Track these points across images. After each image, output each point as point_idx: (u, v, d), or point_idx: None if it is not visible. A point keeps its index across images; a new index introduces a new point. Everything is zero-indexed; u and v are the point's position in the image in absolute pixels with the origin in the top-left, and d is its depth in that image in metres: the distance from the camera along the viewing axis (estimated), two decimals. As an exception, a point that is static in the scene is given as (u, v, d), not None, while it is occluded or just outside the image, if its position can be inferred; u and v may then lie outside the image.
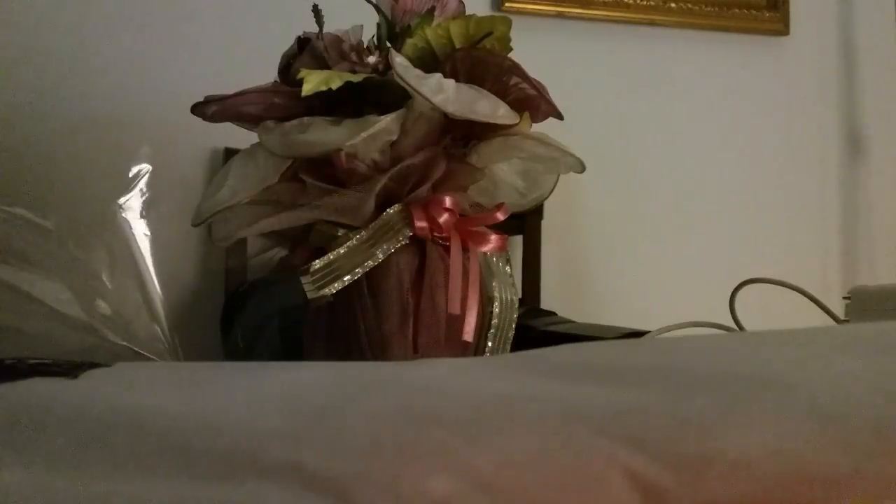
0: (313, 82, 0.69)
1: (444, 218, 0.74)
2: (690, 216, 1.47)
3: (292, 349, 0.85)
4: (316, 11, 0.75)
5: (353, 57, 0.74)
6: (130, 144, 0.93)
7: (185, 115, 0.76)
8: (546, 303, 1.29)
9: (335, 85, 0.69)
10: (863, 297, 0.91)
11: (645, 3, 1.44)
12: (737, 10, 1.48)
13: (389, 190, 0.73)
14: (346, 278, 0.72)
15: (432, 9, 0.77)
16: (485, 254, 0.78)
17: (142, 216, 0.80)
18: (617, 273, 1.43)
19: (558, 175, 0.81)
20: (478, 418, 0.33)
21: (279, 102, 0.74)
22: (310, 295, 0.71)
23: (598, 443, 0.31)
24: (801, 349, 0.45)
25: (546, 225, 1.32)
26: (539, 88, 0.75)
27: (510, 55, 0.76)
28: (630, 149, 1.44)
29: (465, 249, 0.76)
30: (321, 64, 0.74)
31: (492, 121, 0.72)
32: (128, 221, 0.79)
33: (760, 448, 0.31)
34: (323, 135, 0.71)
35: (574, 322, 1.10)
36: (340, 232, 0.73)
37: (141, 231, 0.79)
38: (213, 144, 1.24)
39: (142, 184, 0.80)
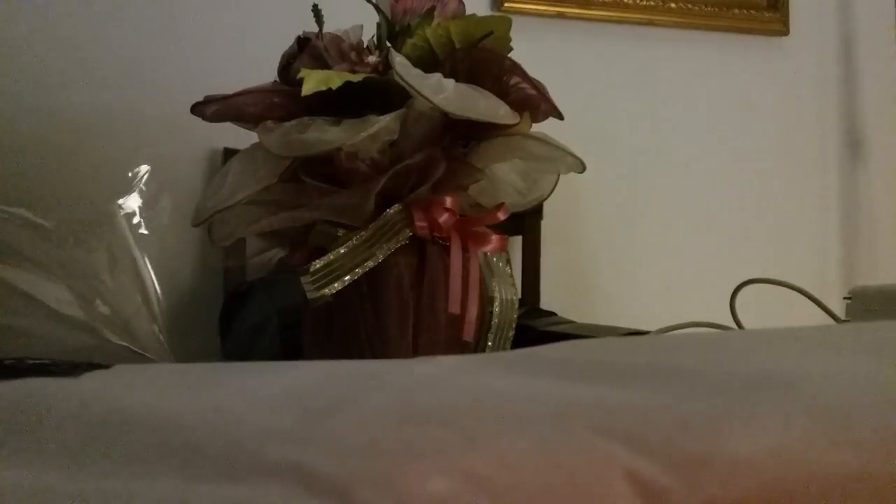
0: (313, 82, 0.69)
1: (444, 218, 0.74)
2: (690, 216, 1.47)
3: (292, 349, 0.85)
4: (316, 11, 0.75)
5: (353, 57, 0.74)
6: (130, 145, 0.93)
7: (184, 116, 0.76)
8: (546, 303, 1.29)
9: (335, 85, 0.69)
10: (863, 297, 0.91)
11: (644, 3, 1.44)
12: (736, 11, 1.49)
13: (389, 190, 0.73)
14: (346, 278, 0.72)
15: (432, 8, 0.77)
16: (485, 254, 0.78)
17: (141, 216, 0.80)
18: (617, 273, 1.43)
19: (558, 175, 0.81)
20: (477, 417, 0.33)
21: (279, 102, 0.74)
22: (309, 295, 0.71)
23: (597, 442, 0.30)
24: (802, 349, 0.45)
25: (546, 225, 1.32)
26: (539, 88, 0.75)
27: (510, 55, 0.76)
28: (630, 149, 1.45)
29: (465, 249, 0.76)
30: (321, 64, 0.74)
31: (492, 121, 0.72)
32: (127, 221, 0.79)
33: (761, 448, 0.31)
34: (323, 134, 0.71)
35: (574, 322, 1.10)
36: (340, 232, 0.73)
37: (140, 231, 0.79)
38: (212, 144, 1.24)
39: (141, 184, 0.80)
